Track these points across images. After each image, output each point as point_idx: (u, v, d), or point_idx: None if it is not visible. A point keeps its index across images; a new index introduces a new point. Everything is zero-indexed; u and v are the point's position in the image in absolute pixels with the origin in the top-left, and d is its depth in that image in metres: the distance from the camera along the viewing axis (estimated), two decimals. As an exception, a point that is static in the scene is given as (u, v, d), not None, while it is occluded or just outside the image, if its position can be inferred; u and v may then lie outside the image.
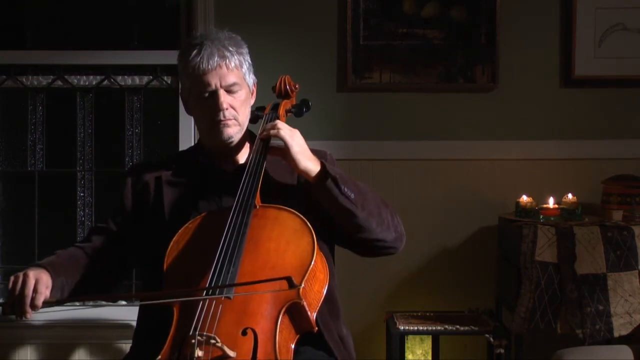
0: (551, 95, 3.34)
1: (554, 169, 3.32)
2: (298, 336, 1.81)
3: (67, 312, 3.33)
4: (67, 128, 3.45)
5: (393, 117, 3.34)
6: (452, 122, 3.34)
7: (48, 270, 1.92)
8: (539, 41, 3.32)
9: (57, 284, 1.93)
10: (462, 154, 3.33)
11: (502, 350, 2.93)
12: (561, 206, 3.06)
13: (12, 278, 1.88)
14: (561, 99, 3.34)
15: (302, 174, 1.97)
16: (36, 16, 3.48)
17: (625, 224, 2.93)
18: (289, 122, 2.05)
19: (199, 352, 1.65)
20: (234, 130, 2.04)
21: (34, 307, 1.86)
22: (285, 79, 2.24)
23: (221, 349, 1.66)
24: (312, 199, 1.98)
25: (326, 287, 1.88)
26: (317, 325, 1.83)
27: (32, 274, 1.87)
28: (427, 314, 3.19)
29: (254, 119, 2.17)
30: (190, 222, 1.97)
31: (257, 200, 1.93)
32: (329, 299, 1.95)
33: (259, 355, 1.68)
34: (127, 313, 3.28)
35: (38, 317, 3.26)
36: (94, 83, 3.42)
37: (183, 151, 2.33)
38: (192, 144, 2.88)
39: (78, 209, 3.46)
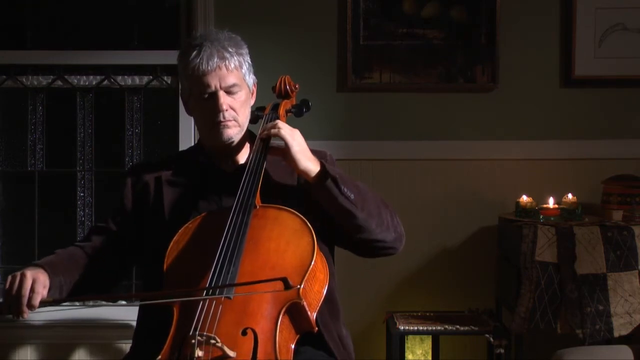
0: (551, 95, 3.34)
1: (554, 169, 3.32)
2: (298, 336, 1.81)
3: (67, 312, 3.33)
4: (67, 128, 3.45)
5: (393, 117, 3.34)
6: (452, 122, 3.34)
7: (46, 270, 1.92)
8: (539, 41, 3.32)
9: (55, 283, 1.93)
10: (462, 154, 3.33)
11: (502, 350, 2.93)
12: (561, 206, 3.06)
13: (9, 278, 1.88)
14: (561, 99, 3.34)
15: (301, 174, 1.97)
16: (36, 16, 3.48)
17: (625, 224, 2.93)
18: (289, 122, 2.05)
19: (199, 352, 1.65)
20: (234, 131, 2.04)
21: (30, 306, 1.86)
22: (285, 79, 2.24)
23: (221, 349, 1.66)
24: (312, 199, 1.98)
25: (326, 287, 1.88)
26: (317, 325, 1.83)
27: (30, 274, 1.87)
28: (427, 314, 3.19)
29: (254, 119, 2.17)
30: (190, 222, 1.97)
31: (257, 200, 1.93)
32: (329, 299, 1.95)
33: (259, 355, 1.68)
34: (127, 313, 3.28)
35: (38, 317, 3.26)
36: (94, 83, 3.42)
37: (183, 151, 2.33)
38: (192, 144, 2.88)
39: (78, 209, 3.46)
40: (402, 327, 3.00)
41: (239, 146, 2.10)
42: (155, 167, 2.14)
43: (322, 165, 1.95)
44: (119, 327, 3.32)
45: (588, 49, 3.30)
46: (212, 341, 1.66)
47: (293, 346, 1.79)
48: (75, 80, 3.42)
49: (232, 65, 2.02)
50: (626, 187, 3.09)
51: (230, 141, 2.04)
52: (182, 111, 3.24)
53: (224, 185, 2.06)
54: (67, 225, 3.46)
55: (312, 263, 1.81)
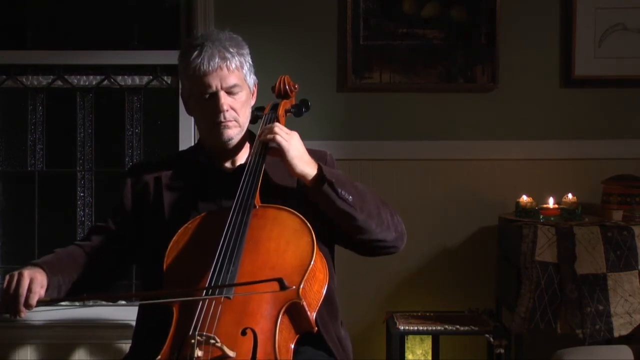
0: (551, 95, 3.34)
1: (554, 169, 3.32)
2: (298, 336, 1.81)
3: (67, 312, 3.33)
4: (67, 128, 3.45)
5: (393, 117, 3.34)
6: (452, 122, 3.34)
7: (44, 270, 1.92)
8: (539, 41, 3.32)
9: (53, 283, 1.93)
10: (462, 154, 3.33)
11: (502, 350, 2.93)
12: (561, 206, 3.06)
13: (7, 277, 1.88)
14: (561, 99, 3.34)
15: (299, 178, 1.97)
16: (36, 16, 3.48)
17: (625, 224, 2.92)
18: (288, 122, 2.05)
19: (198, 352, 1.65)
20: (234, 132, 2.04)
21: (28, 306, 1.86)
22: (284, 79, 2.24)
23: (221, 349, 1.66)
24: (312, 202, 1.98)
25: (326, 287, 1.88)
26: (317, 325, 1.83)
27: (27, 273, 1.87)
28: (427, 314, 3.19)
29: (253, 119, 2.17)
30: (189, 222, 1.97)
31: (257, 200, 1.93)
32: (328, 299, 1.95)
33: (259, 355, 1.68)
34: (127, 313, 3.28)
35: (38, 317, 3.26)
36: (94, 83, 3.42)
37: (183, 151, 2.33)
38: (192, 144, 2.88)
39: (78, 209, 3.46)
40: (402, 327, 3.00)
41: (239, 146, 2.10)
42: (155, 167, 2.14)
43: (319, 169, 1.95)
44: (119, 327, 3.32)
45: (588, 49, 3.30)
46: (212, 341, 1.66)
47: (293, 346, 1.79)
48: (75, 80, 3.42)
49: (233, 66, 2.02)
50: (626, 187, 3.09)
51: (230, 141, 2.05)
52: (182, 111, 3.24)
53: (223, 185, 2.05)
54: (67, 225, 3.46)
55: (312, 263, 1.81)
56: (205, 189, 2.07)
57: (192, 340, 1.66)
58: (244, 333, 1.71)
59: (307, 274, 1.79)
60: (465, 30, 3.30)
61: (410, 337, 3.28)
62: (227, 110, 2.01)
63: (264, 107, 2.20)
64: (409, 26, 3.30)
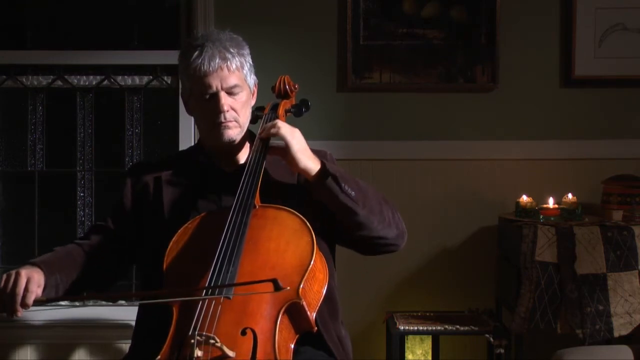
0: (551, 95, 3.34)
1: (554, 169, 3.32)
2: (297, 336, 1.81)
3: (67, 312, 3.33)
4: (67, 128, 3.45)
5: (393, 117, 3.34)
6: (452, 122, 3.34)
7: (41, 269, 1.92)
8: (539, 41, 3.32)
9: (51, 282, 1.93)
10: (462, 154, 3.33)
11: (502, 350, 2.93)
12: (561, 206, 3.06)
13: (4, 276, 1.88)
14: (561, 99, 3.34)
15: (302, 173, 1.97)
16: (36, 16, 3.48)
17: (625, 224, 2.92)
18: (288, 122, 2.05)
19: (198, 352, 1.65)
20: (235, 132, 2.04)
21: (24, 305, 1.85)
22: (284, 79, 2.24)
23: (220, 349, 1.66)
24: (313, 199, 1.98)
25: (325, 287, 1.88)
26: (317, 325, 1.83)
27: (24, 273, 1.87)
28: (427, 314, 3.19)
29: (253, 119, 2.17)
30: (189, 222, 1.97)
31: (257, 200, 1.93)
32: (329, 298, 1.95)
33: (259, 355, 1.68)
34: (126, 313, 3.28)
35: (38, 317, 3.26)
36: (94, 83, 3.42)
37: (183, 151, 2.33)
38: (192, 144, 2.88)
39: (78, 209, 3.46)
40: (402, 327, 3.00)
41: (239, 146, 2.10)
42: (155, 167, 2.14)
43: (323, 164, 1.95)
44: (119, 327, 3.32)
45: (588, 49, 3.30)
46: (212, 341, 1.66)
47: (292, 346, 1.79)
48: (75, 80, 3.42)
49: (234, 66, 2.02)
50: (626, 187, 3.09)
51: (231, 142, 2.05)
52: (182, 111, 3.24)
53: (223, 185, 2.06)
54: (67, 225, 3.46)
55: (312, 263, 1.81)
56: (205, 189, 2.07)
57: (192, 340, 1.66)
58: (243, 333, 1.71)
59: (307, 274, 1.79)
60: (465, 30, 3.29)
61: (410, 337, 3.28)
62: (227, 111, 2.01)
63: (264, 107, 2.20)
64: (409, 26, 3.30)
